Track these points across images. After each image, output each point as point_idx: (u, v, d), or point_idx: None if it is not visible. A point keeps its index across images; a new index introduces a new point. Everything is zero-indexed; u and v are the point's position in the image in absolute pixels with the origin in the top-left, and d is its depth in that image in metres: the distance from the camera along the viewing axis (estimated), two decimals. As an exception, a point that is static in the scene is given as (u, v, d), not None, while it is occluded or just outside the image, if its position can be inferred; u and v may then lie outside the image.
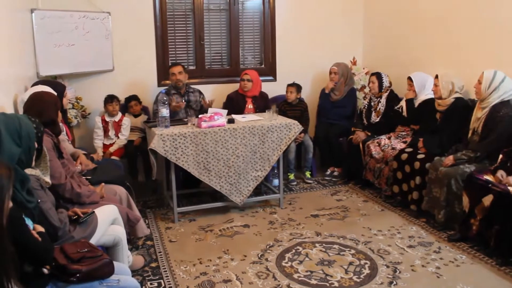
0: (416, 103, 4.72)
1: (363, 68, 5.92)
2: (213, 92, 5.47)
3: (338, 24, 6.00)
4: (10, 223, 1.67)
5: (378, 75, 5.11)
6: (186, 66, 5.17)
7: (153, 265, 3.46)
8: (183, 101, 4.87)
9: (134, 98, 5.06)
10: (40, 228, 2.12)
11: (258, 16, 5.78)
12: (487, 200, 3.34)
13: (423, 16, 5.07)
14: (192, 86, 5.09)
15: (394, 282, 3.15)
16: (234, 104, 5.16)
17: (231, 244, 3.81)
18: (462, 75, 4.37)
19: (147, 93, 5.29)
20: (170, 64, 5.20)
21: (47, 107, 2.96)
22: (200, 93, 5.05)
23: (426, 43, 5.04)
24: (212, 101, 4.94)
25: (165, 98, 4.22)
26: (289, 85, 5.38)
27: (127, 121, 4.86)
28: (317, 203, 4.68)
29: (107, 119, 4.80)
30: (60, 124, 3.26)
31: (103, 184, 3.28)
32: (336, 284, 3.14)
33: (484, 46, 4.33)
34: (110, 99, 4.81)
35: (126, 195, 3.50)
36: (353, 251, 3.62)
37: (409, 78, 4.75)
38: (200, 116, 4.24)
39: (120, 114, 4.85)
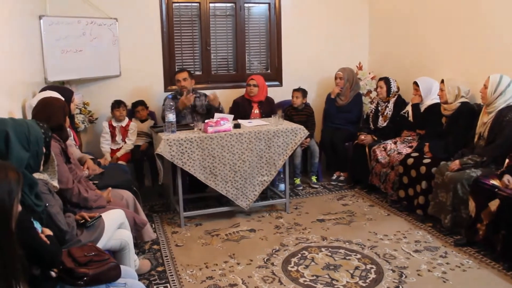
0: (422, 108, 4.72)
1: (369, 73, 5.92)
2: (219, 97, 5.46)
3: (344, 29, 6.01)
4: (19, 226, 1.69)
5: (386, 80, 5.12)
6: (192, 72, 5.19)
7: (160, 269, 3.47)
8: (192, 106, 4.89)
9: (140, 103, 5.09)
10: (49, 232, 2.15)
11: (264, 22, 5.81)
12: (494, 204, 3.33)
13: (429, 20, 5.07)
14: (198, 90, 5.10)
15: (400, 287, 3.14)
16: (240, 109, 5.18)
17: (237, 248, 3.82)
18: (468, 80, 4.37)
19: (154, 98, 5.33)
20: (176, 70, 5.23)
21: (55, 113, 2.99)
22: (206, 96, 5.06)
23: (432, 47, 5.04)
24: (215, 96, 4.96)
25: (171, 104, 4.25)
26: (295, 90, 5.39)
27: (134, 126, 4.89)
28: (323, 208, 4.68)
29: (114, 124, 4.84)
30: (68, 129, 3.29)
31: (110, 188, 3.30)
32: (342, 289, 3.15)
33: (490, 51, 4.33)
34: (117, 104, 4.84)
35: (133, 199, 3.52)
36: (359, 256, 3.62)
37: (415, 83, 4.75)
38: (206, 121, 4.26)
39: (127, 119, 4.88)
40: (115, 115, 4.84)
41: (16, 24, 3.63)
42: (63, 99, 3.26)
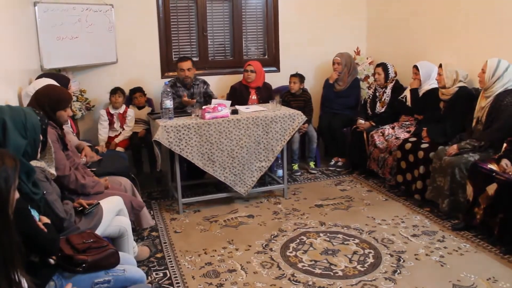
0: (420, 93, 4.70)
1: (367, 58, 5.90)
2: (217, 83, 5.47)
3: (342, 14, 5.96)
4: (16, 214, 1.68)
5: (384, 66, 5.09)
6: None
7: (159, 255, 3.49)
8: (190, 94, 4.86)
9: (138, 90, 5.06)
10: (46, 220, 2.14)
11: (261, 7, 5.76)
12: (491, 189, 3.34)
13: (427, 5, 5.03)
14: (197, 77, 5.06)
15: (398, 271, 3.16)
16: (238, 95, 5.16)
17: (235, 234, 3.83)
18: (466, 64, 4.35)
19: (151, 85, 5.29)
20: (179, 57, 5.03)
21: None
22: (205, 83, 5.02)
23: (430, 32, 5.01)
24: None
25: (168, 90, 4.22)
26: (292, 76, 5.37)
27: (132, 113, 4.88)
28: (321, 193, 4.69)
29: (112, 111, 4.82)
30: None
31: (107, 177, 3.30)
32: (340, 273, 3.16)
33: (488, 35, 4.30)
34: (113, 91, 4.85)
35: (131, 186, 3.52)
36: (357, 241, 3.63)
37: (415, 67, 4.72)
38: (204, 107, 4.25)
39: (124, 106, 4.87)
40: (111, 101, 4.83)
41: (10, 10, 3.59)
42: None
